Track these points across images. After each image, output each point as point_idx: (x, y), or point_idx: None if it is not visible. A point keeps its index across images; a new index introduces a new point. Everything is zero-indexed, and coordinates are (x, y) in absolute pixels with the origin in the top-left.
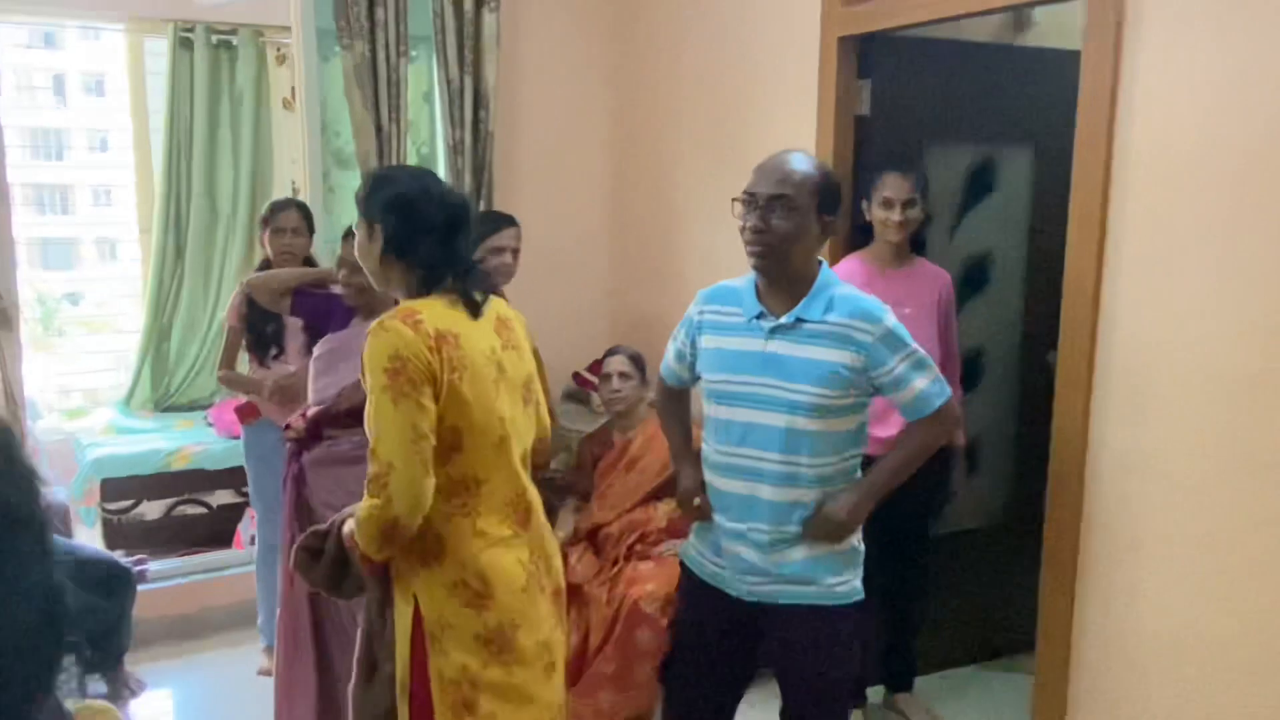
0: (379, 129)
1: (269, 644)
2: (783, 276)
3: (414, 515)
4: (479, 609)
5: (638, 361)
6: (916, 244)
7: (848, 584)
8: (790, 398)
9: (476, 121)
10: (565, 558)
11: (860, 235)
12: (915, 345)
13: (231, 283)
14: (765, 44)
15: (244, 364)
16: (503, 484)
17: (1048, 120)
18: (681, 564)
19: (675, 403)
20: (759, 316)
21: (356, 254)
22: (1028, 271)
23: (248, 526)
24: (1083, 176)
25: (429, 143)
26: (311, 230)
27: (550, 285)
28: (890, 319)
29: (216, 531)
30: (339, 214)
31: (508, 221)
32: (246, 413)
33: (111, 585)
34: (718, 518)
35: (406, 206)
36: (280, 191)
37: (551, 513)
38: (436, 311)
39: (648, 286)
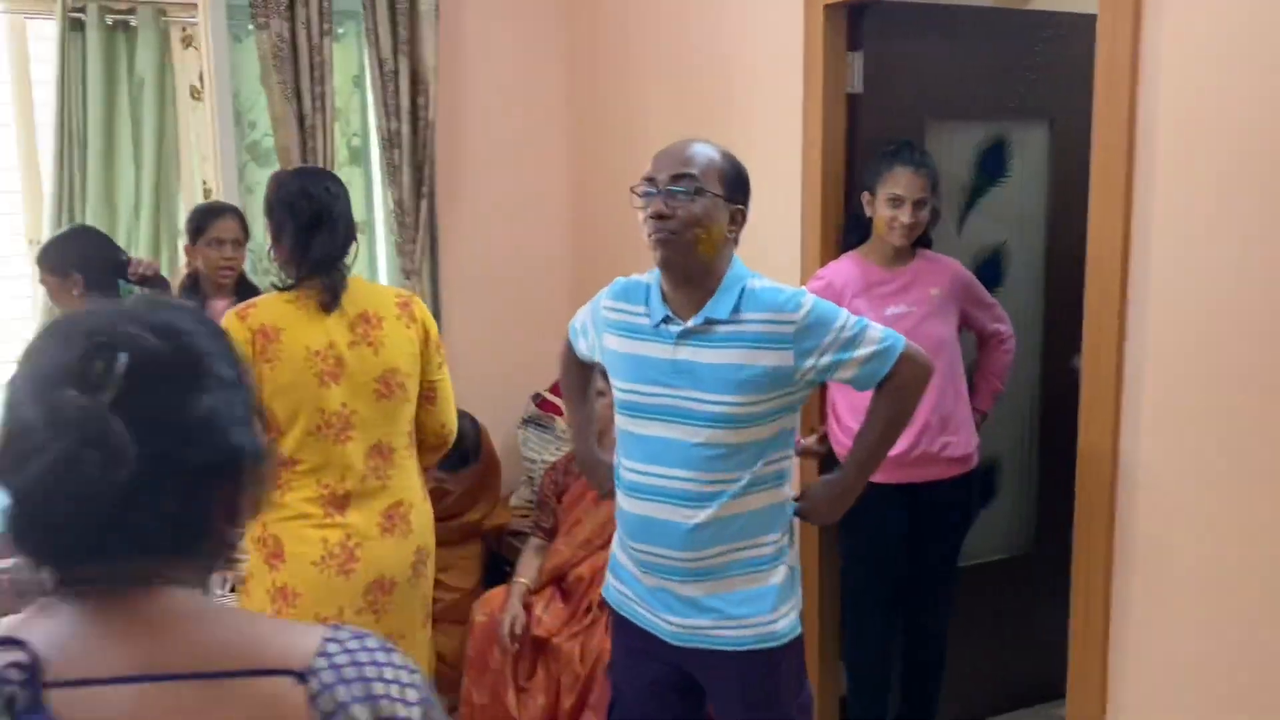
0: (301, 120)
1: None
2: (689, 272)
3: None
4: (271, 566)
5: None
6: (921, 238)
7: (785, 618)
8: (706, 410)
9: (415, 109)
10: (529, 607)
11: (856, 231)
12: (843, 319)
13: None
14: (743, 15)
15: None
16: (320, 467)
17: (1065, 93)
18: (604, 601)
19: (578, 369)
20: (665, 321)
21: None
22: (1047, 266)
23: None
24: (1104, 155)
25: (361, 134)
26: (248, 239)
27: (506, 295)
28: (808, 301)
29: None
30: (260, 216)
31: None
32: None
33: None
34: (632, 546)
35: (279, 206)
36: (190, 194)
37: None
38: (271, 306)
39: None
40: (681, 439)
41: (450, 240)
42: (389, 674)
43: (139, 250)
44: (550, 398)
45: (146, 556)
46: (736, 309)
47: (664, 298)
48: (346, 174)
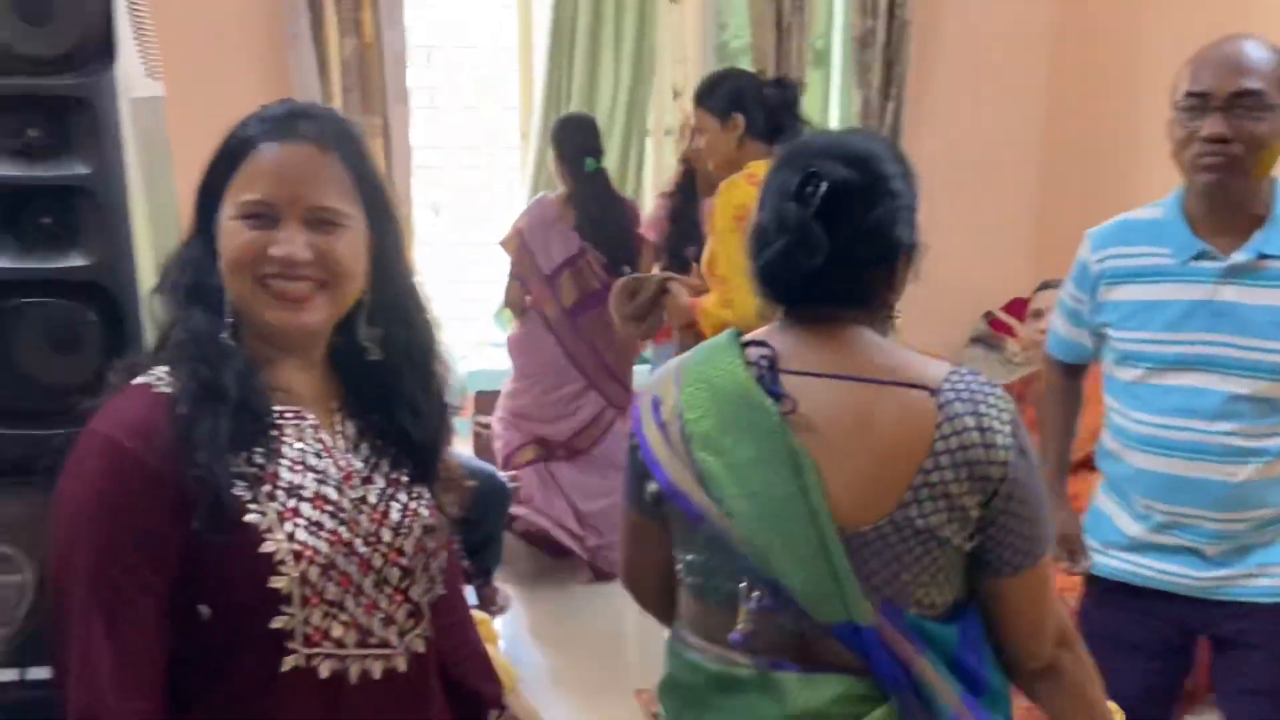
0: (779, 20)
1: None
2: (1237, 200)
3: (744, 323)
4: None
5: None
6: None
7: None
8: (1255, 358)
9: (892, 6)
10: None
11: None
12: None
13: None
14: None
15: None
16: None
17: None
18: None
19: (1066, 392)
20: (1199, 256)
21: (707, 145)
22: None
23: None
24: None
25: (824, 35)
26: None
27: (966, 205)
28: None
29: None
30: None
31: None
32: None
33: (490, 499)
34: (1153, 505)
35: (755, 102)
36: (661, 96)
37: None
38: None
39: (1086, 215)
40: (1219, 389)
41: (913, 145)
42: (991, 399)
43: (612, 148)
44: (1002, 317)
45: (838, 306)
46: None
47: (1193, 229)
48: (809, 76)
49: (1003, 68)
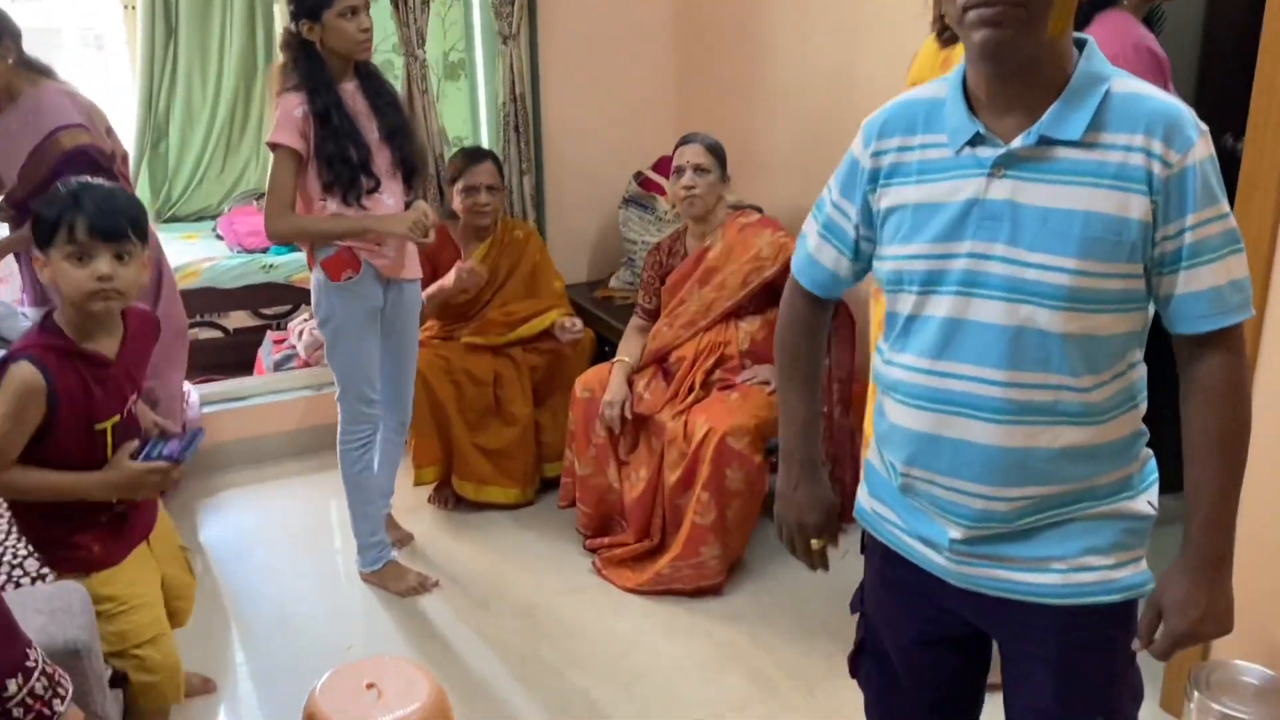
0: None
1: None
2: (1026, 66)
3: None
4: None
5: (716, 152)
6: None
7: (1129, 567)
8: (1028, 276)
9: None
10: (631, 384)
11: None
12: (1225, 203)
13: (234, 64)
14: None
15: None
16: None
17: None
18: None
19: (807, 330)
20: (974, 142)
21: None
22: None
23: (269, 353)
24: None
25: None
26: None
27: (607, 68)
28: (1204, 145)
29: (234, 358)
30: None
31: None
32: (342, 264)
33: None
34: (908, 472)
35: None
36: None
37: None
38: None
39: (719, 80)
40: (987, 320)
41: (551, 40)
42: None
43: (234, 13)
44: (653, 176)
45: None
46: (1095, 125)
47: (971, 109)
48: None
49: None
